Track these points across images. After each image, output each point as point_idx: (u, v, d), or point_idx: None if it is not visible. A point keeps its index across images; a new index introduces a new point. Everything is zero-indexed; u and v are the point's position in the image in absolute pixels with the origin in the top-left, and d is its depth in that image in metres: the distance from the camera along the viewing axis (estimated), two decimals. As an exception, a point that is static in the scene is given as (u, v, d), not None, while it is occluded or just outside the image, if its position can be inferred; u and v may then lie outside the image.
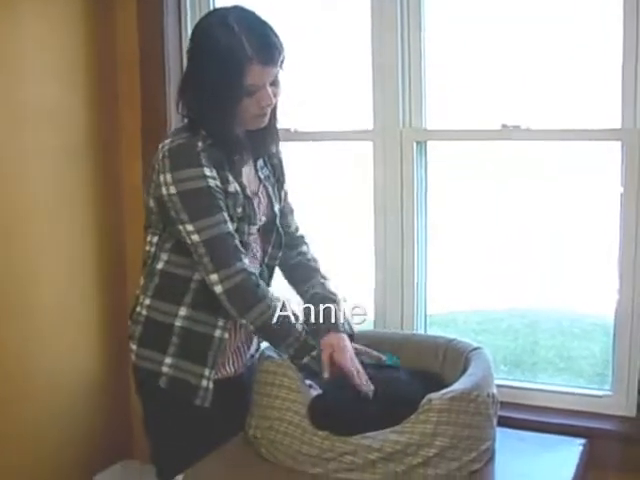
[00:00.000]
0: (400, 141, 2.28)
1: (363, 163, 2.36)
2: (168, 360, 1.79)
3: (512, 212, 2.41)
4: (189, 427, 1.81)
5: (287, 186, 1.98)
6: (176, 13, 2.52)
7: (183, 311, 1.78)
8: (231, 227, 1.72)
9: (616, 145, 2.07)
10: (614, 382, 2.14)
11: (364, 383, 1.73)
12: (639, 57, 1.97)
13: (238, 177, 1.79)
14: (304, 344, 1.75)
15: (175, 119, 2.51)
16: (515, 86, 2.21)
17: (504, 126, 2.16)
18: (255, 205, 1.83)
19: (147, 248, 1.84)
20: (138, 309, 1.84)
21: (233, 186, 1.76)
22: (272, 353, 1.82)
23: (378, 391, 1.73)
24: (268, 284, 1.93)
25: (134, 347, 1.84)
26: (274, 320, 1.72)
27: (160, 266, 1.81)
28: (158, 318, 1.80)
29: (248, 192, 1.80)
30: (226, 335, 1.81)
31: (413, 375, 1.86)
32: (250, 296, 1.71)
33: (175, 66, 2.53)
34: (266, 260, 1.91)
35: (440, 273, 2.41)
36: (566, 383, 2.30)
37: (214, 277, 1.70)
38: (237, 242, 1.72)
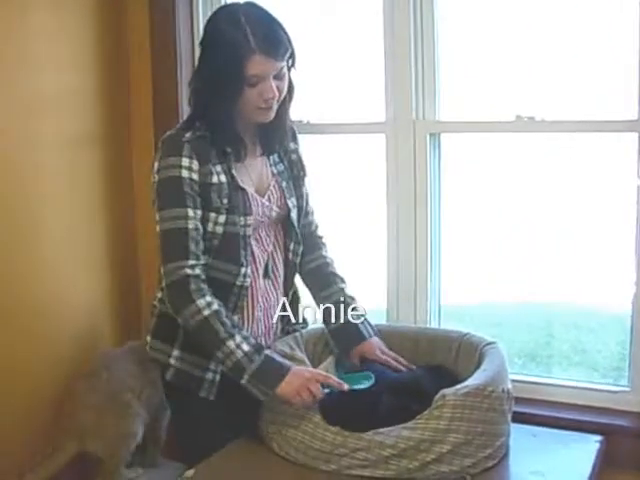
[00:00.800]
0: (413, 133, 2.25)
1: (376, 155, 2.34)
2: (176, 352, 1.83)
3: (527, 204, 2.39)
4: (199, 419, 1.84)
5: (309, 184, 2.00)
6: (188, 1, 2.50)
7: None
8: (192, 223, 1.73)
9: (632, 136, 2.04)
10: (631, 377, 2.11)
11: (405, 364, 1.86)
12: (655, 47, 1.94)
13: (229, 169, 1.80)
14: (236, 364, 1.69)
15: (186, 108, 2.50)
16: (529, 77, 2.18)
17: (518, 117, 2.14)
18: (260, 198, 1.85)
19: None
20: (154, 302, 1.89)
21: (217, 177, 1.78)
22: (284, 347, 1.81)
23: (391, 386, 1.71)
24: (292, 281, 1.96)
25: (149, 338, 1.89)
26: (201, 328, 1.70)
27: None
28: (168, 311, 1.81)
29: (240, 183, 1.81)
30: None
31: (426, 370, 1.84)
32: (181, 296, 1.72)
33: (187, 55, 2.52)
34: (290, 256, 1.93)
35: (455, 265, 2.39)
36: (581, 377, 2.28)
37: (162, 269, 1.75)
38: (192, 240, 1.73)
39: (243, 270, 1.81)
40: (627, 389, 2.12)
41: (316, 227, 2.06)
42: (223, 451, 1.75)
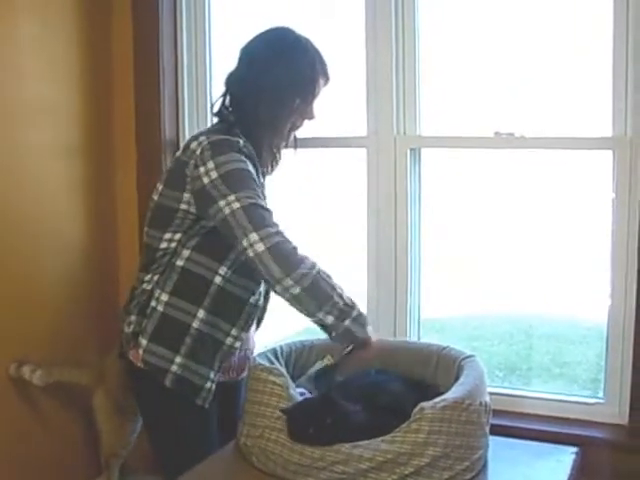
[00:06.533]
0: (394, 148, 2.28)
1: (357, 169, 2.36)
2: (179, 359, 1.81)
3: (507, 218, 2.42)
4: (188, 426, 1.85)
5: None
6: (171, 14, 2.53)
7: (201, 314, 1.80)
8: (266, 204, 1.75)
9: (607, 153, 2.07)
10: (606, 389, 2.15)
11: None
12: (629, 66, 1.99)
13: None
14: (346, 304, 1.72)
15: (169, 118, 2.52)
16: (509, 94, 2.22)
17: (497, 134, 2.17)
18: None
19: (162, 245, 1.82)
20: (153, 304, 1.82)
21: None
22: (263, 360, 1.82)
23: (368, 400, 1.72)
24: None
25: (144, 341, 1.82)
26: (319, 281, 1.68)
27: (180, 263, 1.81)
28: (176, 316, 1.81)
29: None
30: (237, 344, 1.85)
31: (405, 383, 1.85)
32: (293, 254, 1.67)
33: (169, 69, 2.54)
34: None
35: (435, 278, 2.41)
36: (561, 389, 2.31)
37: (254, 236, 1.66)
38: (272, 214, 1.72)
39: (260, 288, 1.84)
40: (603, 401, 2.15)
41: None
42: (203, 464, 1.74)
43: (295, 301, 1.69)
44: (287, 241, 1.69)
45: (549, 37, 2.15)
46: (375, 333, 1.82)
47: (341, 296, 1.72)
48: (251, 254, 1.66)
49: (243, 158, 1.75)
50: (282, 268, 1.65)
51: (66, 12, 2.43)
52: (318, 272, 1.69)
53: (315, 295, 1.69)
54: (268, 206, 1.74)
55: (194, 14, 2.54)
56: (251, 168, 1.76)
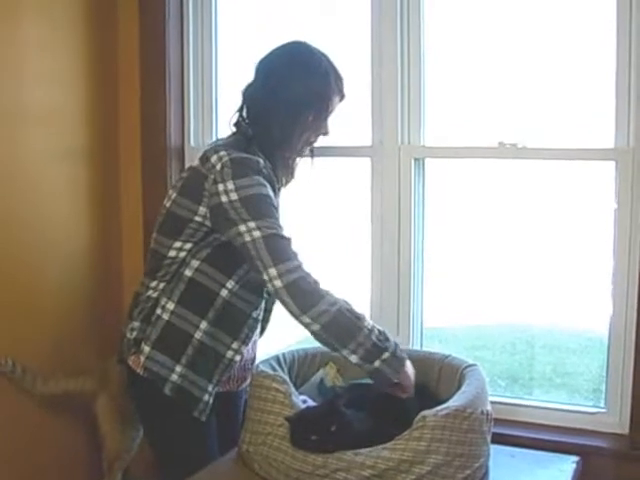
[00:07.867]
0: (398, 158, 2.29)
1: (361, 179, 2.37)
2: (179, 369, 1.81)
3: (509, 228, 2.42)
4: (186, 436, 1.85)
5: None
6: (178, 19, 2.53)
7: (204, 325, 1.81)
8: (287, 234, 1.74)
9: (609, 164, 2.09)
10: (608, 399, 2.15)
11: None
12: (632, 77, 2.00)
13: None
14: (374, 345, 1.68)
15: (175, 123, 2.53)
16: (512, 105, 2.23)
17: (501, 144, 2.18)
18: None
19: (171, 253, 1.83)
20: (158, 312, 1.83)
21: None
22: (266, 368, 1.83)
23: (371, 407, 1.73)
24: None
25: (147, 349, 1.82)
26: (339, 318, 1.66)
27: (189, 273, 1.82)
28: (180, 325, 1.81)
29: None
30: (237, 358, 1.85)
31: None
32: (311, 292, 1.67)
33: (175, 72, 2.54)
34: None
35: (438, 288, 2.42)
36: (562, 399, 2.31)
37: (272, 271, 1.67)
38: (293, 245, 1.72)
39: (262, 303, 1.85)
40: (604, 410, 2.15)
41: None
42: (204, 471, 1.75)
43: (316, 337, 1.71)
44: (306, 276, 1.69)
45: (552, 48, 2.16)
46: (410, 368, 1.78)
47: (369, 336, 1.67)
48: (271, 288, 1.69)
49: (263, 181, 1.76)
50: (298, 306, 1.67)
51: (72, 16, 2.44)
52: (339, 310, 1.66)
53: (336, 333, 1.68)
54: (287, 234, 1.74)
55: (201, 19, 2.55)
56: (270, 192, 1.77)
